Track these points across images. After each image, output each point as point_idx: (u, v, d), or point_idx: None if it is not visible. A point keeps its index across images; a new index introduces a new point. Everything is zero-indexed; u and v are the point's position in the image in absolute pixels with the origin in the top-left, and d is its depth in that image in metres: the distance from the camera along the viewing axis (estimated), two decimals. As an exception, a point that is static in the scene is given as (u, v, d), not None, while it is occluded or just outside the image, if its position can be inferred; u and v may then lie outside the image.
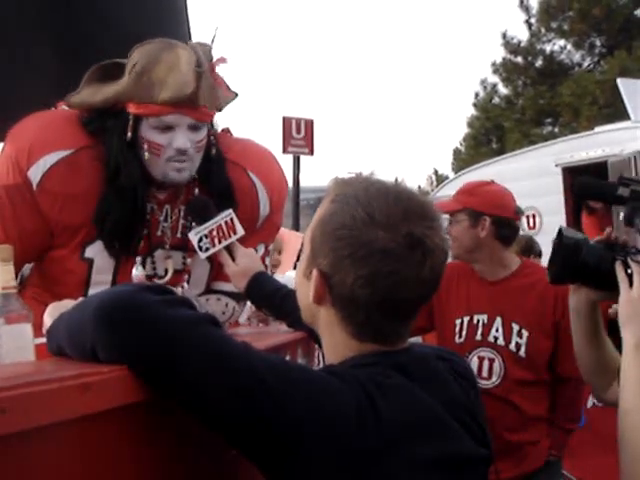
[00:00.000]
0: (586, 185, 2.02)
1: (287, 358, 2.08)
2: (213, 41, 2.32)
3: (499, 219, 3.02)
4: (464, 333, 3.07)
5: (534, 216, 8.40)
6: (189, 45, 2.24)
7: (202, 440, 1.28)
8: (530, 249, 5.32)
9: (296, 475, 1.16)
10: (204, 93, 2.21)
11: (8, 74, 2.75)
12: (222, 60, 2.33)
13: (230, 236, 2.25)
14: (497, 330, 3.01)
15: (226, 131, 2.60)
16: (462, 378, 1.39)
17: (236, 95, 2.45)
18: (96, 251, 2.31)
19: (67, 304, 1.34)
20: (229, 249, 2.25)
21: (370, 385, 1.19)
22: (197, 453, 1.35)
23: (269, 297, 2.18)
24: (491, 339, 3.01)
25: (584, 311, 1.82)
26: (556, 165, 8.11)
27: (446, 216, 3.00)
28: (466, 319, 3.08)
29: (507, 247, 3.11)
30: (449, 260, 1.39)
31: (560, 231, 1.78)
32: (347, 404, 1.16)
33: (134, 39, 2.33)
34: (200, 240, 2.25)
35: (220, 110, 2.42)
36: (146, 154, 2.24)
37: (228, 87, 2.41)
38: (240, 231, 2.25)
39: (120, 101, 2.25)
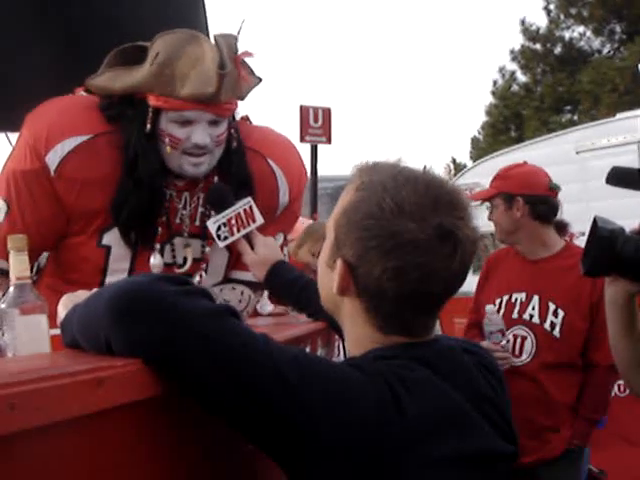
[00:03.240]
0: (621, 173, 1.94)
1: (307, 349, 2.05)
2: (239, 32, 2.28)
3: (531, 198, 3.08)
4: (502, 312, 3.11)
5: (554, 204, 8.30)
6: (215, 39, 2.21)
7: (219, 435, 1.26)
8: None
9: (315, 469, 1.13)
10: (226, 91, 2.18)
11: (8, 74, 2.73)
12: (247, 54, 2.29)
13: (249, 224, 2.22)
14: (533, 308, 3.04)
15: (245, 119, 2.57)
16: (488, 372, 1.35)
17: (260, 80, 2.41)
18: (113, 238, 2.29)
19: (81, 295, 1.31)
20: (248, 238, 2.22)
21: (394, 379, 1.15)
22: (213, 448, 1.32)
23: (288, 287, 2.15)
24: (526, 317, 3.04)
25: (620, 303, 1.76)
26: (577, 152, 8.02)
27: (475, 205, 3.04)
28: (505, 298, 3.13)
29: (547, 225, 3.14)
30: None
31: (595, 221, 1.70)
32: (368, 398, 1.12)
33: (135, 39, 2.31)
34: (218, 229, 2.22)
35: (243, 99, 2.39)
36: (168, 148, 2.22)
37: (252, 72, 2.37)
38: (259, 219, 2.22)
39: (140, 91, 2.23)
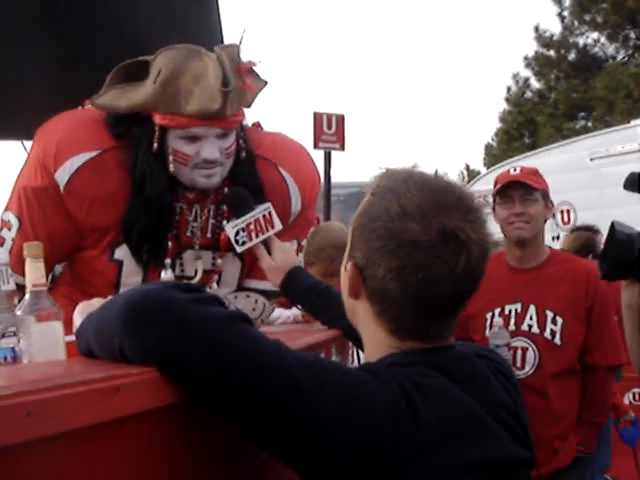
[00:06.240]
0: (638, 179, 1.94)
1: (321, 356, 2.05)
2: (241, 42, 2.28)
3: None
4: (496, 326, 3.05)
5: (568, 211, 8.31)
6: (216, 52, 2.20)
7: (234, 442, 1.25)
8: (590, 247, 4.86)
9: (327, 473, 1.12)
10: (232, 105, 2.17)
11: (8, 74, 2.75)
12: (251, 64, 2.29)
13: (267, 230, 2.21)
14: (531, 318, 3.00)
15: (257, 125, 2.56)
16: (503, 377, 1.34)
17: (265, 83, 2.41)
18: (125, 253, 2.30)
19: (96, 303, 1.31)
20: (266, 243, 2.22)
21: (409, 386, 1.15)
22: (229, 455, 1.32)
23: (304, 293, 2.15)
24: (525, 327, 3.00)
25: (636, 306, 1.76)
26: (591, 159, 8.01)
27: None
28: (497, 311, 3.05)
29: None
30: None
31: (612, 225, 1.72)
32: (382, 404, 1.12)
33: (135, 39, 2.31)
34: (237, 234, 2.21)
35: (249, 106, 2.39)
36: (171, 165, 2.22)
37: (258, 76, 2.37)
38: (278, 225, 2.22)
39: (145, 109, 2.23)
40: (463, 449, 1.16)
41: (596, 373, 3.02)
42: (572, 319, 2.96)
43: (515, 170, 3.13)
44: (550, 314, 2.97)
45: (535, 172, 3.13)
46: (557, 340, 2.95)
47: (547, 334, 2.96)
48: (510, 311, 3.02)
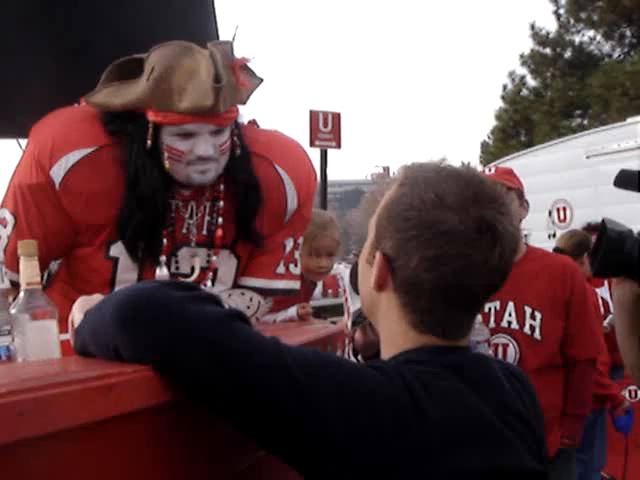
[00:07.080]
0: (629, 176, 1.93)
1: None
2: (234, 39, 2.27)
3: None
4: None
5: (564, 209, 8.32)
6: (209, 49, 2.19)
7: (231, 440, 1.25)
8: (585, 246, 4.60)
9: (328, 472, 1.10)
10: (225, 101, 2.17)
11: (8, 74, 2.74)
12: (244, 60, 2.29)
13: None
14: (510, 314, 3.00)
15: (252, 123, 2.56)
16: (517, 380, 1.32)
17: (261, 80, 2.40)
18: (120, 250, 2.29)
19: (97, 298, 1.30)
20: None
21: (416, 384, 1.13)
22: (225, 453, 1.31)
23: None
24: (505, 324, 3.00)
25: (628, 305, 1.75)
26: (587, 157, 8.02)
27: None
28: None
29: None
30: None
31: (603, 222, 1.72)
32: (383, 403, 1.10)
33: (134, 39, 2.30)
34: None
35: (244, 103, 2.38)
36: (166, 162, 2.21)
37: (253, 73, 2.37)
38: None
39: (139, 106, 2.22)
40: (470, 456, 1.12)
41: (576, 366, 3.05)
42: (551, 313, 2.99)
43: (490, 170, 3.19)
44: (529, 310, 2.99)
45: (510, 172, 3.17)
46: (537, 335, 2.97)
47: (527, 329, 2.98)
48: (490, 309, 3.02)
